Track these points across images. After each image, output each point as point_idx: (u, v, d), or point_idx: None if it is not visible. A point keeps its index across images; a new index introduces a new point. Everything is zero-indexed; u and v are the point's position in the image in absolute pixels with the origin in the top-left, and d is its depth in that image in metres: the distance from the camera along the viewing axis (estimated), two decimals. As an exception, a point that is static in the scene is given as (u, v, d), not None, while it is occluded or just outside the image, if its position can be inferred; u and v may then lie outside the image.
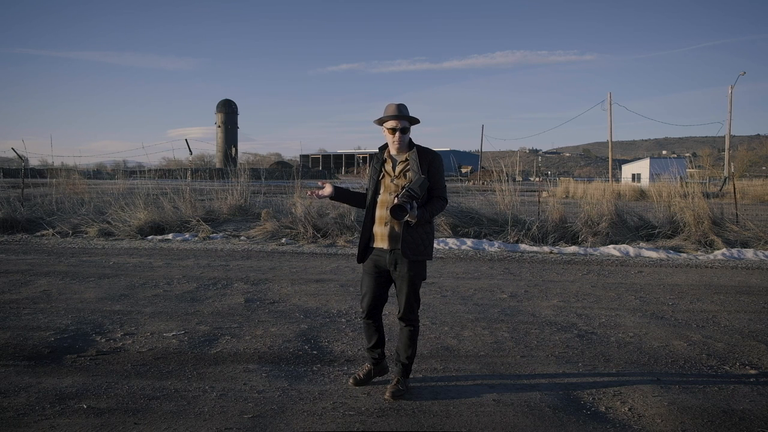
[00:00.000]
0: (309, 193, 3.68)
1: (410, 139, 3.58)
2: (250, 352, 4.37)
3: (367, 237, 3.57)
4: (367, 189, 3.72)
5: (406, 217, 3.30)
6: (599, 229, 11.00)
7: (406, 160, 3.52)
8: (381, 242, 3.50)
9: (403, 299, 3.51)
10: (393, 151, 3.55)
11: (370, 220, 3.55)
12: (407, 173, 3.49)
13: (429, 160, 3.49)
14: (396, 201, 3.31)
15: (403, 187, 3.43)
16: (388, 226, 3.46)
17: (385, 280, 3.58)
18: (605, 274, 8.07)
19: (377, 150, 3.68)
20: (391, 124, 3.48)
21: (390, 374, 3.77)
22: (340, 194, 3.70)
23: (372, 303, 3.58)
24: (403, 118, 3.48)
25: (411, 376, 3.74)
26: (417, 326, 3.60)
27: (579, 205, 13.36)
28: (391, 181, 3.52)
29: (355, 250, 9.61)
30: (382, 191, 3.54)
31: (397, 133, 3.48)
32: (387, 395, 3.49)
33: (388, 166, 3.57)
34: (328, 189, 3.63)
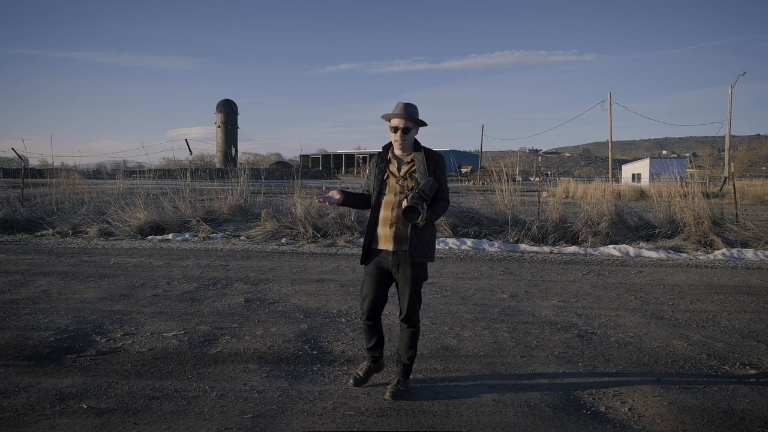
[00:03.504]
0: (319, 199, 3.56)
1: (416, 140, 3.54)
2: (250, 352, 4.37)
3: (371, 238, 3.53)
4: (366, 189, 3.68)
5: (418, 219, 3.27)
6: (599, 229, 11.00)
7: (412, 161, 3.48)
8: (385, 244, 3.46)
9: (406, 301, 3.49)
10: (397, 150, 3.52)
11: (374, 221, 3.51)
12: (413, 174, 3.44)
13: (435, 163, 3.46)
14: (407, 203, 3.27)
15: (411, 189, 3.39)
16: (394, 228, 3.42)
17: (386, 282, 3.55)
18: (605, 274, 8.07)
19: (380, 149, 3.63)
20: (394, 122, 3.45)
21: (390, 373, 3.77)
22: (348, 199, 3.63)
23: (373, 305, 3.55)
24: (407, 119, 3.43)
25: (411, 376, 3.74)
26: (418, 327, 3.59)
27: (579, 205, 13.36)
28: (397, 182, 3.48)
29: (356, 250, 9.67)
30: (386, 192, 3.50)
31: (399, 132, 3.44)
32: (387, 395, 3.48)
33: (393, 167, 3.52)
34: (337, 195, 3.54)
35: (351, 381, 3.69)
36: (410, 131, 3.47)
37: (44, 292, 6.36)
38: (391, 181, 3.50)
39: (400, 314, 3.55)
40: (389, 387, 3.55)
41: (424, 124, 3.52)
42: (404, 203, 3.30)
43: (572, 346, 4.60)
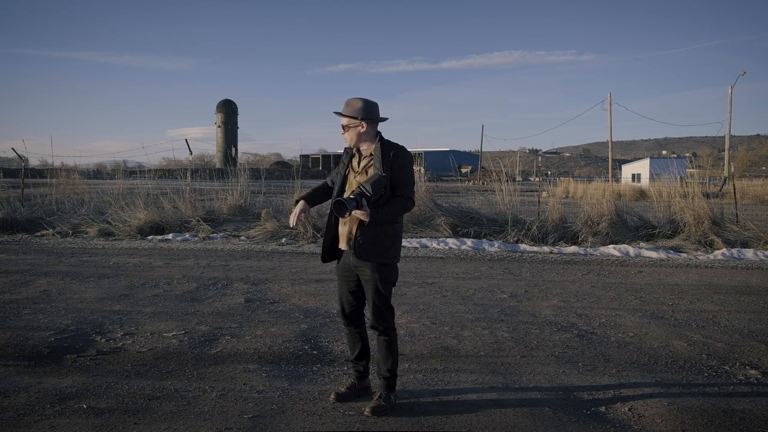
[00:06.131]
0: (294, 218, 3.40)
1: (379, 133, 3.33)
2: (250, 352, 4.37)
3: (332, 236, 3.37)
4: (332, 180, 3.51)
5: (355, 215, 3.13)
6: (599, 229, 11.00)
7: (371, 155, 3.28)
8: (342, 242, 3.33)
9: (370, 305, 3.29)
10: (361, 146, 3.34)
11: (334, 219, 3.34)
12: (369, 170, 3.25)
13: (392, 156, 3.19)
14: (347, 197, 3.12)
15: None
16: (347, 226, 3.25)
17: (356, 283, 3.37)
18: (605, 274, 8.07)
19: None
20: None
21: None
22: (312, 200, 3.49)
23: (347, 308, 3.41)
24: (343, 115, 3.28)
25: (411, 376, 3.73)
26: (393, 335, 3.34)
27: (579, 205, 13.37)
28: (354, 177, 3.31)
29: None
30: (347, 188, 3.33)
31: (342, 130, 3.33)
32: (366, 410, 3.26)
33: (355, 161, 3.37)
34: (301, 205, 3.40)
35: (333, 397, 3.45)
36: (347, 129, 3.29)
37: (44, 292, 6.36)
38: (351, 176, 3.35)
39: (369, 320, 3.36)
40: (371, 401, 3.33)
41: (371, 119, 3.28)
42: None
43: (572, 346, 4.60)
